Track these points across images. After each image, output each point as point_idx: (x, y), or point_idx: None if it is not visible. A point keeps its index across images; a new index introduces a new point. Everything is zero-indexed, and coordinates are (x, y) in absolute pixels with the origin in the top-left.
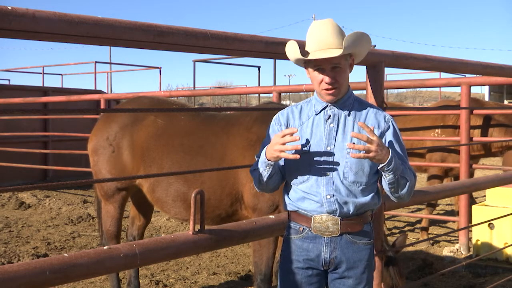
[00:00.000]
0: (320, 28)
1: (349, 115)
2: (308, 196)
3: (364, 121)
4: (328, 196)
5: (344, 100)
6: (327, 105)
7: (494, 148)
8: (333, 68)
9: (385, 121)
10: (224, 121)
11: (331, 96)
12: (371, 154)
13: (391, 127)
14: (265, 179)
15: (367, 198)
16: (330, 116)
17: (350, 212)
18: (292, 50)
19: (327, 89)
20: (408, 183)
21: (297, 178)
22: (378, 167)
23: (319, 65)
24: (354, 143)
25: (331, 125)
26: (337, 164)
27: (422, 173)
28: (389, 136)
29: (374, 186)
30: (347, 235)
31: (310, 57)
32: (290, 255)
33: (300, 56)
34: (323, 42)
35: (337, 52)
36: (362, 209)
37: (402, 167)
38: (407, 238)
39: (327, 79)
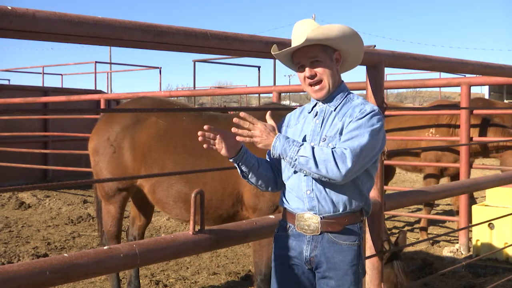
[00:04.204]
0: (297, 27)
1: (335, 110)
2: (292, 192)
3: (344, 114)
4: (308, 192)
5: (333, 96)
6: (317, 103)
7: (489, 148)
8: (312, 63)
9: (360, 112)
10: (227, 122)
11: (317, 93)
12: (255, 139)
13: (359, 117)
14: (241, 176)
15: (347, 194)
16: (317, 112)
17: (332, 210)
18: (272, 48)
19: (310, 85)
20: (310, 161)
21: (285, 175)
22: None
23: (299, 62)
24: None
25: (317, 121)
26: None
27: (418, 173)
28: (351, 123)
29: (357, 184)
30: (328, 234)
31: (281, 51)
32: (278, 252)
33: (272, 52)
34: (298, 37)
35: (299, 42)
36: (342, 206)
37: (296, 148)
38: (406, 238)
39: (307, 72)
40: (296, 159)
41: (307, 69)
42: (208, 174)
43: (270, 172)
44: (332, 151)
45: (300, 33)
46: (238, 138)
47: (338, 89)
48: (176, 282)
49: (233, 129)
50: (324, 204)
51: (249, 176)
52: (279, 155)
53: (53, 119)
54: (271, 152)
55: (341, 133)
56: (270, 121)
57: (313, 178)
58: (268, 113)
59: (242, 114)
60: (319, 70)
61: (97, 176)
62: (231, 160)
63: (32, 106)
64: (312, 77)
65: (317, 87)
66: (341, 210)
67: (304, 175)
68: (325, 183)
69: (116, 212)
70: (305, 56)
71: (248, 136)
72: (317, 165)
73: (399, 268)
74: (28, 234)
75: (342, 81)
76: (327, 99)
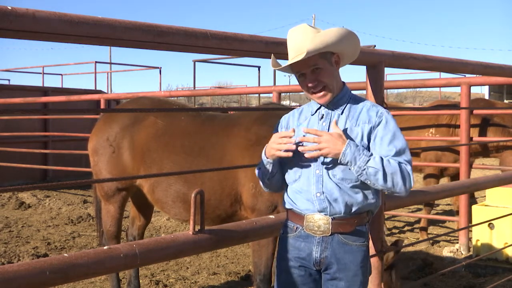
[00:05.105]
0: (293, 35)
1: (342, 113)
2: (300, 194)
3: (357, 118)
4: (318, 194)
5: (338, 99)
6: (321, 106)
7: (489, 148)
8: (313, 71)
9: (377, 115)
10: (225, 122)
11: (322, 99)
12: (323, 151)
13: (383, 121)
14: (267, 177)
15: (358, 196)
16: (323, 115)
17: (342, 211)
18: (271, 62)
19: (314, 92)
20: (379, 172)
21: (291, 177)
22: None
23: (299, 70)
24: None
25: (324, 124)
26: (326, 161)
27: (418, 173)
28: (379, 130)
29: (369, 185)
30: (339, 235)
31: (281, 67)
32: (284, 253)
33: (272, 67)
34: (296, 48)
35: (300, 57)
36: (354, 208)
37: (366, 158)
38: (406, 238)
39: (309, 83)
40: (364, 169)
41: (308, 78)
42: (207, 174)
43: (281, 175)
44: (399, 166)
45: (298, 44)
46: (307, 155)
47: (342, 92)
48: (176, 282)
49: (300, 148)
50: (335, 205)
51: (274, 177)
52: (347, 163)
53: (53, 119)
54: (339, 158)
55: (362, 139)
56: (336, 129)
57: (323, 180)
58: (334, 121)
59: (305, 129)
60: (321, 77)
61: (97, 176)
62: (270, 161)
63: (32, 106)
64: (315, 86)
65: (321, 93)
66: (352, 210)
67: (311, 176)
68: (337, 185)
69: (116, 212)
70: (305, 65)
71: (316, 149)
72: (386, 178)
73: (396, 275)
74: (28, 234)
75: (343, 82)
76: (331, 103)
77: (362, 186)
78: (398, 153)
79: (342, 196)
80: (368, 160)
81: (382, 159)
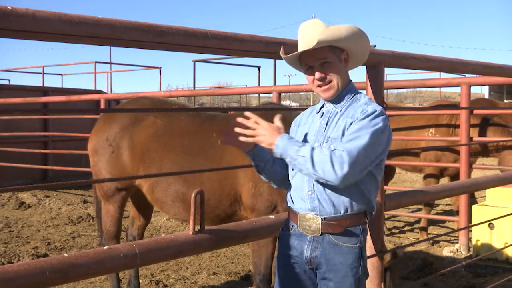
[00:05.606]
0: (304, 28)
1: (340, 111)
2: (295, 192)
3: (347, 116)
4: (310, 192)
5: (340, 97)
6: (325, 103)
7: (489, 147)
8: (321, 64)
9: (361, 112)
10: (225, 122)
11: (326, 93)
12: (258, 138)
13: (361, 118)
14: (256, 170)
15: (349, 197)
16: (323, 113)
17: (332, 212)
18: (281, 51)
19: (319, 86)
20: (308, 161)
21: (291, 174)
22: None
23: (307, 63)
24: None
25: (322, 122)
26: None
27: (418, 173)
28: (352, 124)
29: (359, 187)
30: (329, 236)
31: (291, 54)
32: (281, 250)
33: (281, 55)
34: (307, 40)
35: (311, 45)
36: (343, 209)
37: (297, 148)
38: (406, 238)
39: (317, 75)
40: (296, 159)
41: (317, 72)
42: (206, 174)
43: (285, 170)
44: (330, 153)
45: (308, 35)
46: (241, 138)
47: (346, 90)
48: (176, 282)
49: (237, 129)
50: (325, 205)
51: (264, 171)
52: (281, 155)
53: (53, 119)
54: (273, 151)
55: (343, 134)
56: (277, 123)
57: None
58: (278, 117)
59: (246, 113)
60: (329, 71)
61: (96, 176)
62: (247, 155)
63: (32, 106)
64: (322, 79)
65: (325, 87)
66: (342, 212)
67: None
68: (326, 184)
69: (116, 212)
70: (314, 58)
71: (251, 136)
72: (314, 165)
73: (391, 278)
74: (28, 234)
75: (351, 80)
76: (335, 100)
77: (352, 186)
78: (345, 142)
79: (330, 195)
80: (299, 150)
81: (312, 148)
